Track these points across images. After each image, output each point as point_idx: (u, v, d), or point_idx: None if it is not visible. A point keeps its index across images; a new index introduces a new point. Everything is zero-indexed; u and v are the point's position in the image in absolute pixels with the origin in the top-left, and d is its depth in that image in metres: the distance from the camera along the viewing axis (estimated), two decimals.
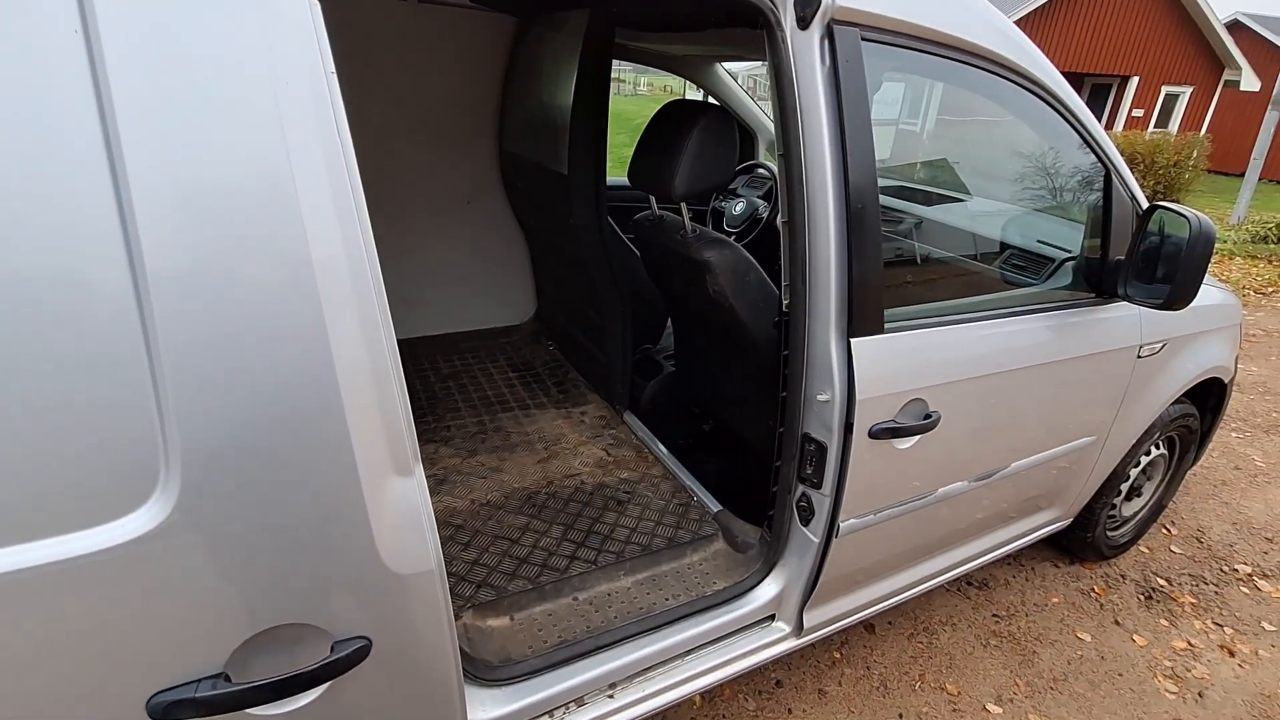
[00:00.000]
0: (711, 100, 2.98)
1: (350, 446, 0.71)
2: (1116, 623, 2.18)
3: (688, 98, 1.66)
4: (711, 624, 1.48)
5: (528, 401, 2.36)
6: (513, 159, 2.49)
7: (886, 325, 1.42)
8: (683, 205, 1.62)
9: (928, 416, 1.43)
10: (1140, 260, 1.66)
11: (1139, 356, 1.88)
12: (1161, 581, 2.37)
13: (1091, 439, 1.92)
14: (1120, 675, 1.98)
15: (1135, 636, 2.12)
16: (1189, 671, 2.01)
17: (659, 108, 1.66)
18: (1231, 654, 2.08)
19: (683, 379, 2.29)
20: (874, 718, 1.82)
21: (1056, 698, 1.90)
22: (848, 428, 1.36)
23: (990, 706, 1.86)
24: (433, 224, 2.66)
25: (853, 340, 1.37)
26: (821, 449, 1.39)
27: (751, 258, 1.64)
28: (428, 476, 1.94)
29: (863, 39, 1.29)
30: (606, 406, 2.36)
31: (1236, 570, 2.44)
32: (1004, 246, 2.01)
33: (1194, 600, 2.29)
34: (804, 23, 1.25)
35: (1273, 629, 2.18)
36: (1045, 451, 1.80)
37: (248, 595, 0.70)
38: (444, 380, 2.46)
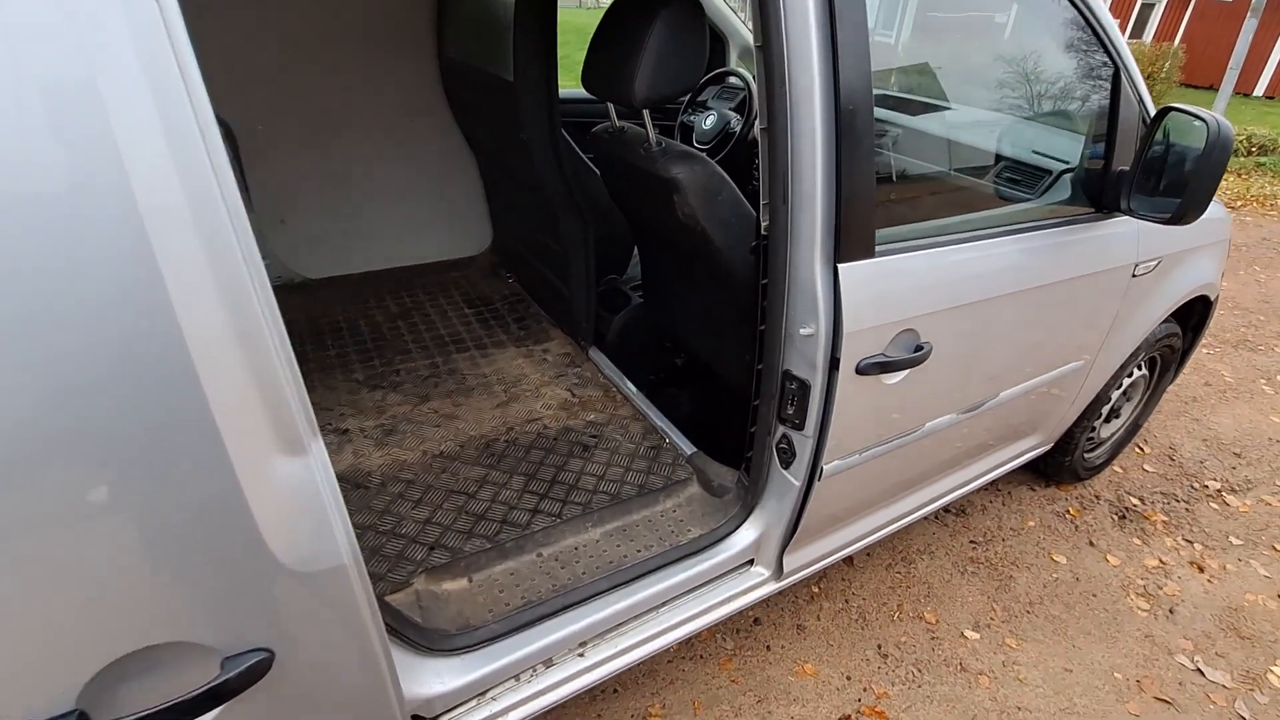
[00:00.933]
0: None
1: (213, 427, 0.55)
2: (1091, 544, 2.17)
3: None
4: (687, 574, 1.39)
5: (485, 340, 2.18)
6: (455, 66, 2.20)
7: (876, 248, 1.26)
8: (645, 114, 1.41)
9: (919, 348, 1.30)
10: (1144, 171, 1.52)
11: (1134, 275, 1.77)
12: (1134, 501, 2.37)
13: (1080, 363, 1.83)
14: (1094, 596, 1.98)
15: (1109, 557, 2.12)
16: (1160, 589, 2.02)
17: None
18: (1201, 569, 2.09)
19: (652, 309, 2.13)
20: (853, 650, 1.79)
21: (1032, 621, 1.90)
22: (833, 364, 1.22)
23: (968, 633, 1.85)
24: (371, 145, 2.38)
25: (840, 266, 1.22)
26: (804, 387, 1.26)
27: (725, 174, 1.45)
28: (374, 426, 1.80)
29: None
30: (571, 343, 2.20)
31: (1206, 486, 2.45)
32: (998, 159, 1.84)
33: (1165, 518, 2.29)
34: None
35: (1239, 543, 2.20)
36: (1035, 379, 1.71)
37: (98, 615, 0.56)
38: (392, 320, 2.26)
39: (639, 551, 1.40)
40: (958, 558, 2.09)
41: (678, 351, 2.25)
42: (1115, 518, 2.29)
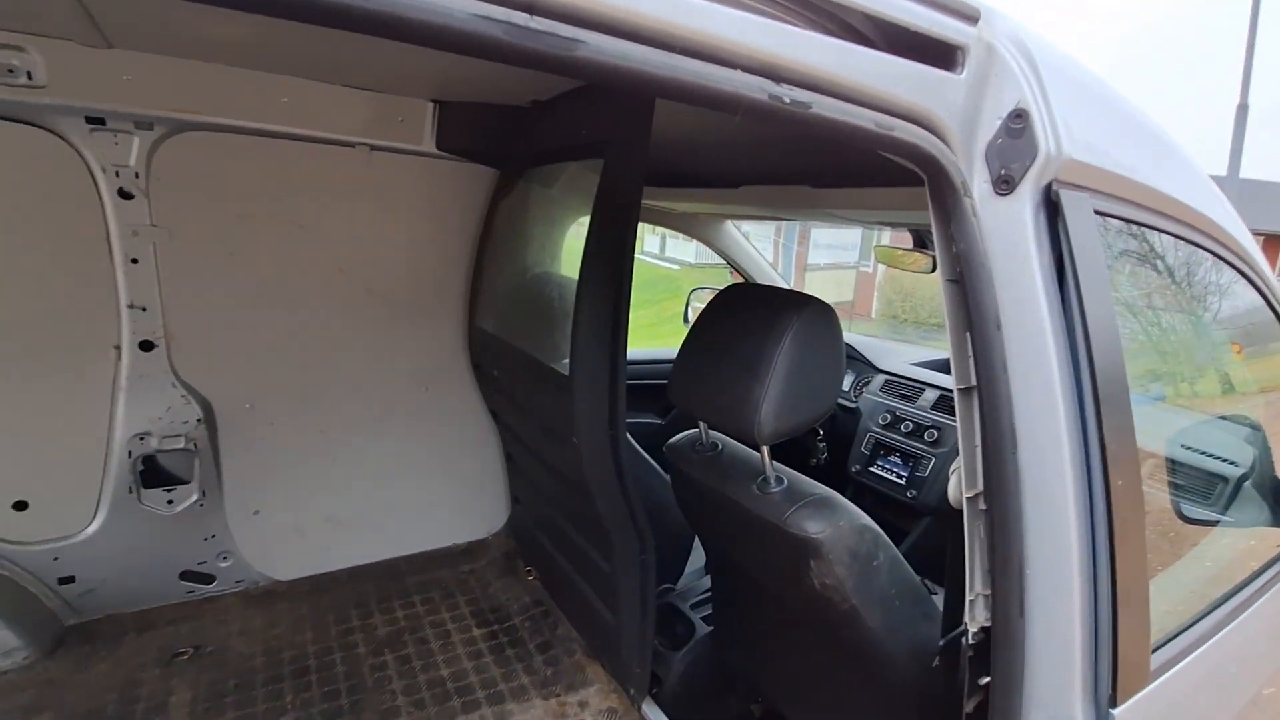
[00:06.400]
0: (737, 267, 2.54)
1: None
2: None
3: (723, 289, 1.15)
4: None
5: (500, 686, 1.61)
6: (486, 339, 1.93)
7: (1152, 666, 0.82)
8: (764, 448, 1.04)
9: None
10: None
11: None
12: None
13: None
14: None
15: None
16: None
17: (717, 296, 1.13)
18: None
19: (727, 649, 1.60)
20: None
21: None
22: None
23: None
24: (374, 419, 2.03)
25: (1115, 713, 0.76)
26: None
27: (875, 525, 1.04)
28: None
29: (1096, 211, 0.79)
30: (615, 688, 1.63)
31: None
32: (1172, 464, 1.48)
33: None
34: (1006, 185, 0.75)
35: None
36: None
37: None
38: (378, 650, 1.71)
39: None
40: None
41: (754, 697, 1.68)
42: None
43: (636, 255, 1.30)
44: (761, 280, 2.54)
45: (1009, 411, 0.76)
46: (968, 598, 0.83)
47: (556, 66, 0.50)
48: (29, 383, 1.55)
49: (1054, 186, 0.75)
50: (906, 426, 2.11)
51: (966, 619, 0.84)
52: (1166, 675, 0.88)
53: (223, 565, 1.86)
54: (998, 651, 0.81)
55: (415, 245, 1.93)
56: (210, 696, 1.50)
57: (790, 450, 2.36)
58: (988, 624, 0.82)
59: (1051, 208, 0.76)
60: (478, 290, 1.98)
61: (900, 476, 2.08)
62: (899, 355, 2.48)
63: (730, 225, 2.46)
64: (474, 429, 2.19)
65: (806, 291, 1.06)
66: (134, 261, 1.57)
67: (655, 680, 1.65)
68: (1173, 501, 1.42)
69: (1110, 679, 0.79)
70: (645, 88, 0.54)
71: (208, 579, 1.84)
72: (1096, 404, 0.76)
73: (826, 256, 11.64)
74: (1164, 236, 0.92)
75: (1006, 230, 0.76)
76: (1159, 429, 1.59)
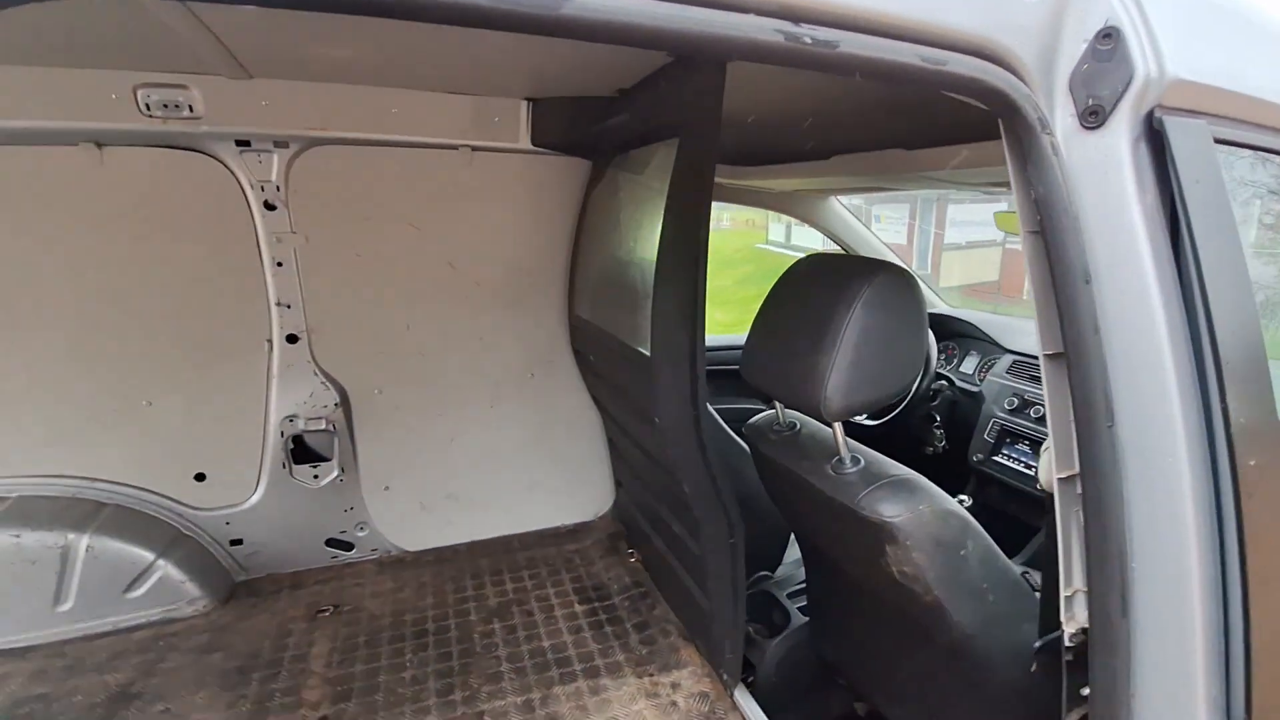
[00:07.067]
0: (834, 245, 2.43)
1: None
2: None
3: (820, 251, 1.10)
4: None
5: (597, 661, 1.66)
6: (584, 326, 1.99)
7: None
8: (837, 425, 0.98)
9: None
10: None
11: None
12: None
13: None
14: None
15: None
16: None
17: (790, 267, 1.09)
18: None
19: (823, 639, 1.54)
20: None
21: None
22: None
23: None
24: (488, 403, 2.16)
25: None
26: None
27: (965, 511, 0.95)
28: None
29: (1218, 140, 0.66)
30: (708, 672, 1.62)
31: None
32: None
33: None
34: (1094, 116, 0.65)
35: None
36: None
37: None
38: (488, 619, 1.82)
39: None
40: None
41: (857, 694, 1.60)
42: None
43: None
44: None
45: (1103, 380, 0.66)
46: (1063, 593, 0.74)
47: (535, 27, 0.50)
48: (202, 372, 1.82)
49: (1156, 114, 0.64)
50: (1037, 411, 1.89)
51: (1063, 618, 0.74)
52: None
53: (360, 535, 2.08)
54: (1097, 657, 0.71)
55: (517, 239, 2.03)
56: (344, 650, 1.69)
57: (905, 439, 2.21)
58: (1086, 625, 0.73)
59: (1155, 139, 0.65)
60: (575, 279, 2.05)
61: (1029, 467, 1.87)
62: (1031, 334, 2.23)
63: (835, 202, 2.34)
64: (579, 415, 2.27)
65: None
66: (279, 265, 1.80)
67: (750, 668, 1.62)
68: None
69: (1244, 695, 0.67)
70: (632, 40, 0.53)
71: (348, 546, 2.07)
72: (1219, 370, 0.64)
73: (968, 234, 10.70)
74: None
75: (1097, 169, 0.66)
76: None
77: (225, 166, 1.68)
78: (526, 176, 1.94)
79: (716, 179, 1.41)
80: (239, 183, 1.70)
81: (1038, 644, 0.83)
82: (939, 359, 2.24)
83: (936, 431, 2.10)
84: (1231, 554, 0.66)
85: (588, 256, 1.96)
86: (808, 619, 1.61)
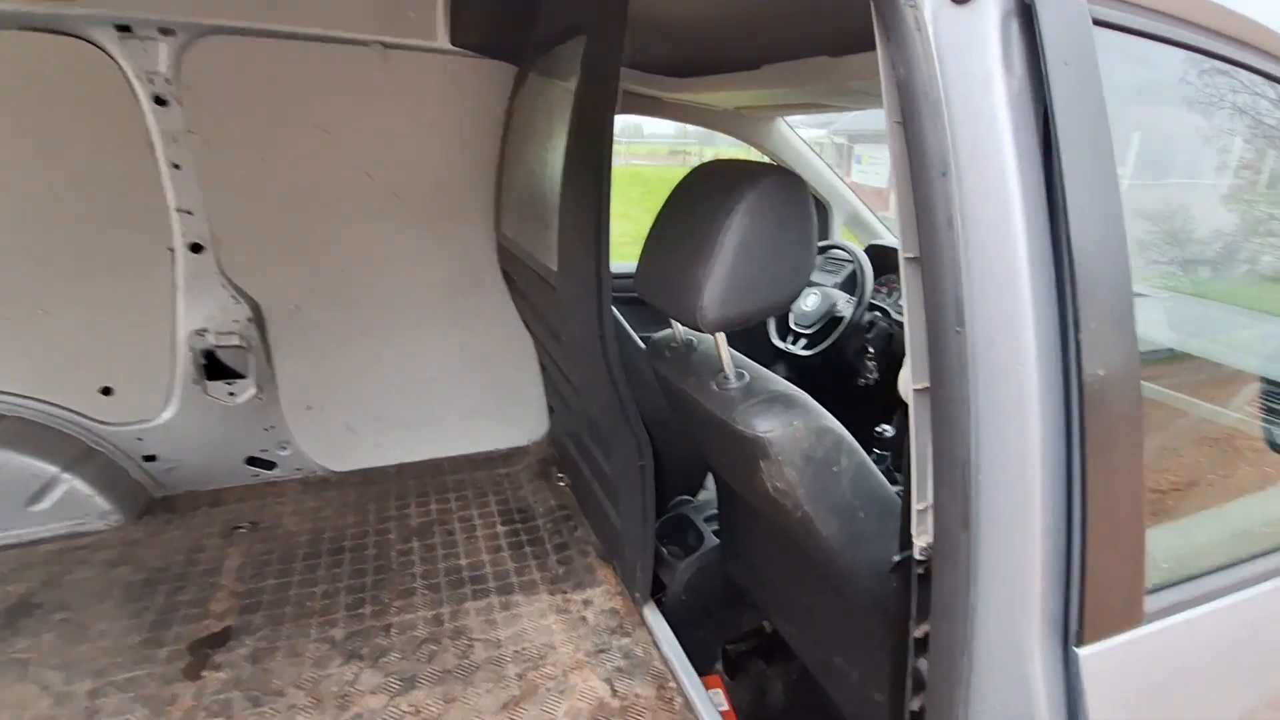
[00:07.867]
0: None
1: None
2: None
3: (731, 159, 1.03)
4: None
5: (512, 579, 1.68)
6: (510, 245, 1.91)
7: (1146, 608, 0.69)
8: (719, 337, 0.95)
9: None
10: None
11: None
12: None
13: None
14: None
15: None
16: None
17: (684, 175, 1.02)
18: None
19: (732, 562, 1.56)
20: None
21: None
22: None
23: None
24: (416, 325, 2.10)
25: (1081, 653, 0.65)
26: None
27: (842, 429, 0.93)
28: None
29: (1097, 22, 0.61)
30: (621, 590, 1.64)
31: None
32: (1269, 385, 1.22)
33: None
34: None
35: None
36: None
37: None
38: (407, 538, 1.82)
39: None
40: None
41: (765, 614, 1.64)
42: None
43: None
44: (814, 182, 2.33)
45: (954, 283, 0.63)
46: (915, 508, 0.72)
47: None
48: (101, 280, 1.72)
49: None
50: None
51: (914, 533, 0.73)
52: (1167, 621, 0.73)
53: (282, 454, 2.04)
54: (940, 572, 0.70)
55: (441, 150, 1.92)
56: (257, 565, 1.67)
57: (839, 370, 2.20)
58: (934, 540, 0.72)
59: (1027, 15, 0.59)
60: (501, 195, 1.96)
61: None
62: None
63: (781, 124, 2.25)
64: (511, 339, 2.22)
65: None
66: (176, 167, 1.67)
67: (662, 587, 1.65)
68: (1265, 429, 1.18)
69: (1079, 611, 0.66)
70: None
71: (269, 465, 2.03)
72: (1073, 273, 0.61)
73: None
74: (1211, 62, 0.69)
75: (964, 50, 0.60)
76: (1244, 340, 1.31)
77: (107, 54, 1.53)
78: (447, 80, 1.81)
79: (653, 92, 1.32)
80: (123, 72, 1.56)
81: (896, 559, 0.83)
82: (880, 292, 2.21)
83: (869, 364, 2.10)
84: (1075, 467, 0.65)
85: (512, 171, 1.87)
86: (719, 544, 1.63)
